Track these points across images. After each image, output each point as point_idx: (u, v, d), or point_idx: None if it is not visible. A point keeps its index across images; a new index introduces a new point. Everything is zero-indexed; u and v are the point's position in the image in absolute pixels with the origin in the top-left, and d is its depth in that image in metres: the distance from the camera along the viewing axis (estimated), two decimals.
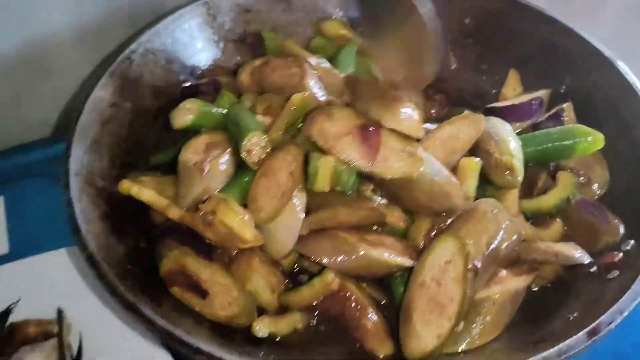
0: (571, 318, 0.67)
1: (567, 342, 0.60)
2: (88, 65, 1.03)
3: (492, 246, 0.69)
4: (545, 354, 0.59)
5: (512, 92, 0.97)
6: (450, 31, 1.01)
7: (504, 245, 0.71)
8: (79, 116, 0.78)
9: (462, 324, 0.68)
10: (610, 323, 0.62)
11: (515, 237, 0.72)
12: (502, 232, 0.70)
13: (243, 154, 0.75)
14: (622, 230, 0.77)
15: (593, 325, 0.62)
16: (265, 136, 0.76)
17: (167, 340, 0.60)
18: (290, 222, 0.73)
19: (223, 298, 0.69)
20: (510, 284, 0.71)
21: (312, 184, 0.72)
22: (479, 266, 0.66)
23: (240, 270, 0.73)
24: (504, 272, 0.72)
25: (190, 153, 0.79)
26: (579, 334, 0.61)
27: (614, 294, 0.65)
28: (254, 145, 0.76)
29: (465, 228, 0.70)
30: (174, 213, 0.74)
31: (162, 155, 0.86)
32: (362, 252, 0.71)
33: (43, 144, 1.06)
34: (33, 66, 1.00)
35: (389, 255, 0.71)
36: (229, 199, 0.72)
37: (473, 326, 0.68)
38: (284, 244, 0.73)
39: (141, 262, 0.73)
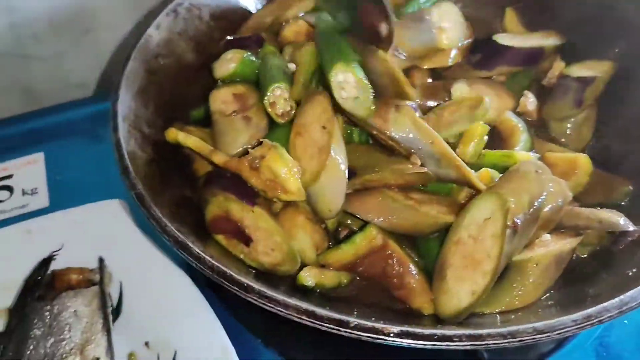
0: (630, 273, 0.64)
1: (630, 293, 0.57)
2: (131, 24, 1.02)
3: (534, 206, 0.65)
4: (607, 303, 0.56)
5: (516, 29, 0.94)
6: None
7: (547, 207, 0.67)
8: (126, 63, 0.78)
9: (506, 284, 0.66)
10: None
11: (560, 200, 0.69)
12: (545, 193, 0.67)
13: (267, 107, 0.73)
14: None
15: None
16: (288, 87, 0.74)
17: (218, 278, 0.58)
18: (336, 180, 0.70)
19: (266, 244, 0.68)
20: (554, 246, 0.68)
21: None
22: (519, 223, 0.63)
23: (285, 227, 0.71)
24: (547, 236, 0.69)
25: (221, 103, 0.78)
26: None
27: None
28: (278, 97, 0.74)
29: (507, 187, 0.66)
30: (220, 158, 0.72)
31: (199, 111, 0.85)
32: (411, 210, 0.69)
33: (84, 103, 1.06)
34: (76, 23, 1.00)
35: (437, 212, 0.69)
36: (280, 147, 0.70)
37: (514, 286, 0.65)
38: (333, 203, 0.70)
39: (187, 209, 0.72)
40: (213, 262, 0.59)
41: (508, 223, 0.62)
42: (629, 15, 0.88)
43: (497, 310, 0.65)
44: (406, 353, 0.78)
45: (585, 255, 0.73)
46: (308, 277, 0.66)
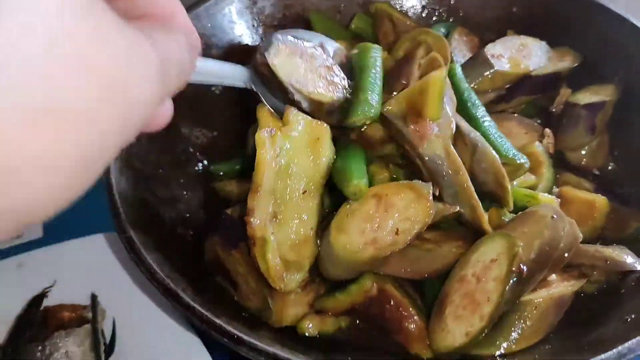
0: (629, 319, 0.63)
1: (628, 343, 0.56)
2: None
3: (545, 252, 0.64)
4: (603, 356, 0.55)
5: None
6: (497, 20, 0.98)
7: (556, 253, 0.66)
8: None
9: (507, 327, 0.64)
10: None
11: (570, 242, 0.67)
12: (557, 240, 0.65)
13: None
14: None
15: None
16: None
17: (207, 328, 0.57)
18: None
19: (247, 288, 0.67)
20: (555, 289, 0.67)
21: None
22: (525, 270, 0.62)
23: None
24: (552, 276, 0.68)
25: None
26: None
27: None
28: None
29: (520, 230, 0.65)
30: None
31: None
32: (432, 252, 0.68)
33: None
34: None
35: (456, 247, 0.68)
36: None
37: (512, 329, 0.64)
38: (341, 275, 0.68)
39: (178, 250, 0.71)
40: (203, 311, 0.58)
41: (513, 269, 0.61)
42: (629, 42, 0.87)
43: (495, 354, 0.64)
44: None
45: (593, 292, 0.71)
46: (309, 327, 0.66)
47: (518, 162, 0.70)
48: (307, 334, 0.65)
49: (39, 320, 0.76)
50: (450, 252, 0.67)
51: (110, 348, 0.76)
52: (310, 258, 0.68)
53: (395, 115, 0.71)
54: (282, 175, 0.67)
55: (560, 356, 0.62)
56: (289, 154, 0.66)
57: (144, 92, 0.30)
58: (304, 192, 0.67)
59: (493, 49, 0.86)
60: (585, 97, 0.87)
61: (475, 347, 0.63)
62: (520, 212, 0.69)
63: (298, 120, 0.67)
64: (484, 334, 0.62)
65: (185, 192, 0.79)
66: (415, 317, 0.66)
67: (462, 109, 0.75)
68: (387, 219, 0.65)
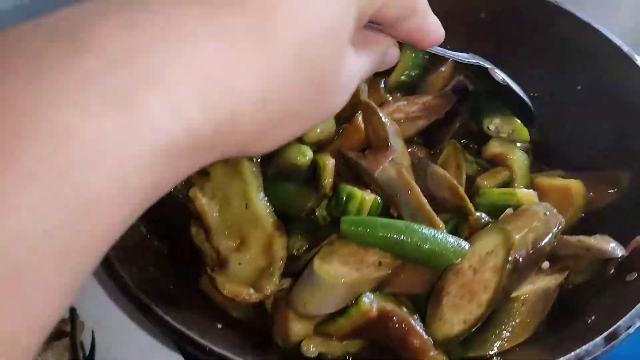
0: (589, 321, 0.65)
1: (585, 347, 0.59)
2: None
3: (538, 246, 0.67)
4: (562, 359, 0.58)
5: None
6: (465, 25, 0.99)
7: (548, 248, 0.69)
8: None
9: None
10: (629, 327, 0.61)
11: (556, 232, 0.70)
12: (549, 235, 0.68)
13: None
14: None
15: (611, 329, 0.60)
16: None
17: (179, 341, 0.59)
18: None
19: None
20: (540, 283, 0.69)
21: None
22: (520, 260, 0.65)
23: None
24: (546, 263, 0.71)
25: None
26: (597, 339, 0.59)
27: (634, 297, 0.63)
28: None
29: (514, 224, 0.68)
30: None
31: None
32: None
33: None
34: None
35: None
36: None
37: (503, 327, 0.66)
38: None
39: (155, 261, 0.72)
40: (176, 326, 0.60)
41: (510, 258, 0.63)
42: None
43: (488, 354, 0.66)
44: None
45: (579, 283, 0.74)
46: (309, 350, 0.66)
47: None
48: (308, 355, 0.66)
49: None
50: None
51: None
52: (281, 252, 0.72)
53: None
54: (223, 208, 0.75)
55: (551, 349, 0.63)
56: (220, 189, 0.75)
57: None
58: (247, 207, 0.73)
59: None
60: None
61: (469, 350, 0.66)
62: (508, 211, 0.71)
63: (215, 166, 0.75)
64: (480, 323, 0.64)
65: (162, 205, 0.80)
66: (420, 331, 0.66)
67: None
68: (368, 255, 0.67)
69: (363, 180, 0.75)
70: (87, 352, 0.78)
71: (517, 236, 0.65)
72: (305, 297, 0.67)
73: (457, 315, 0.64)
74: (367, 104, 0.78)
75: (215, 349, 0.58)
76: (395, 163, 0.74)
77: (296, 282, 0.69)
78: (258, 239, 0.74)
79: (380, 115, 0.77)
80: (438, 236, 0.67)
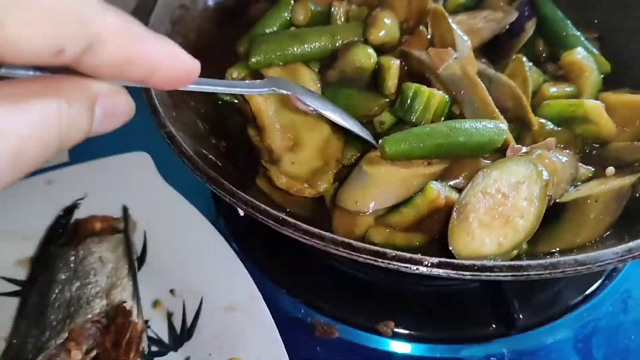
0: None
1: None
2: None
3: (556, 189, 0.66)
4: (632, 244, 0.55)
5: None
6: None
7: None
8: (151, 11, 0.77)
9: None
10: None
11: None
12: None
13: None
14: None
15: None
16: None
17: (252, 212, 0.57)
18: None
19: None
20: (613, 183, 0.67)
21: None
22: (552, 197, 0.64)
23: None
24: (611, 170, 0.70)
25: None
26: None
27: None
28: None
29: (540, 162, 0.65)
30: None
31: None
32: None
33: None
34: None
35: None
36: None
37: (574, 223, 0.64)
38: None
39: (214, 156, 0.71)
40: (247, 196, 0.58)
41: (547, 196, 0.61)
42: None
43: (557, 249, 0.64)
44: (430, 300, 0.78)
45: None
46: (373, 235, 0.65)
47: None
48: (374, 242, 0.65)
49: (70, 229, 0.76)
50: None
51: (141, 259, 0.76)
52: (336, 154, 0.71)
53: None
54: (279, 108, 0.75)
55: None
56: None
57: None
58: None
59: None
60: None
61: (537, 244, 0.63)
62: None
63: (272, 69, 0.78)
64: (518, 250, 0.61)
65: (216, 108, 0.79)
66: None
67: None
68: None
69: (426, 80, 0.73)
70: (139, 252, 0.76)
71: (546, 174, 0.62)
72: (356, 195, 0.66)
73: (490, 235, 0.60)
74: (436, 8, 0.77)
75: (290, 219, 0.56)
76: (459, 61, 0.72)
77: (344, 182, 0.68)
78: (314, 140, 0.73)
79: (450, 20, 0.75)
80: (479, 127, 0.66)
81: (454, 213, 0.61)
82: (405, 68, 0.76)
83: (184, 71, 0.35)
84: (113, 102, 0.34)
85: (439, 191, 0.63)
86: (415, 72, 0.75)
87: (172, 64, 0.35)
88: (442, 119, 0.70)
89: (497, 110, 0.69)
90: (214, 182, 0.60)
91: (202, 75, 0.73)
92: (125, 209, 0.79)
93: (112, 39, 0.31)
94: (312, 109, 0.66)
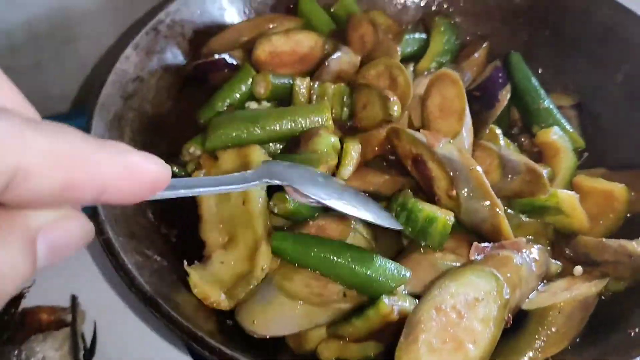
0: (632, 334, 0.60)
1: None
2: (113, 35, 0.97)
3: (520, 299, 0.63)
4: None
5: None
6: (499, 9, 0.94)
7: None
8: (100, 89, 0.72)
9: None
10: None
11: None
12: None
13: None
14: None
15: None
16: None
17: (187, 340, 0.54)
18: None
19: None
20: (578, 290, 0.64)
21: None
22: (510, 320, 0.60)
23: None
24: (578, 269, 0.66)
25: None
26: None
27: None
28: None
29: (502, 271, 0.61)
30: None
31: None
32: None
33: (61, 119, 1.01)
34: (57, 34, 0.96)
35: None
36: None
37: (537, 336, 0.61)
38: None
39: (163, 250, 0.68)
40: (183, 322, 0.55)
41: (505, 318, 0.58)
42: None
43: None
44: None
45: (620, 290, 0.68)
46: (324, 354, 0.62)
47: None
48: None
49: (16, 322, 0.73)
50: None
51: (90, 352, 0.73)
52: (264, 261, 0.64)
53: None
54: (222, 199, 0.70)
55: None
56: None
57: None
58: (243, 204, 0.68)
59: None
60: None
61: (497, 358, 0.59)
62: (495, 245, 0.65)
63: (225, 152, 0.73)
64: None
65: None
66: None
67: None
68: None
69: (421, 162, 0.69)
70: (89, 343, 0.73)
71: (508, 291, 0.58)
72: (255, 313, 0.62)
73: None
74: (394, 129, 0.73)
75: (226, 350, 0.53)
76: (455, 143, 0.70)
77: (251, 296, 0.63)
78: (247, 240, 0.67)
79: (412, 133, 0.71)
80: (376, 260, 0.61)
81: (403, 333, 0.57)
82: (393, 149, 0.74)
83: (146, 183, 0.30)
84: (60, 233, 0.29)
85: (392, 306, 0.59)
86: (404, 153, 0.71)
87: (126, 180, 0.30)
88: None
89: (492, 193, 0.66)
90: (150, 303, 0.56)
91: (157, 148, 0.69)
92: (73, 299, 0.75)
93: (41, 170, 0.26)
94: (312, 200, 0.59)
